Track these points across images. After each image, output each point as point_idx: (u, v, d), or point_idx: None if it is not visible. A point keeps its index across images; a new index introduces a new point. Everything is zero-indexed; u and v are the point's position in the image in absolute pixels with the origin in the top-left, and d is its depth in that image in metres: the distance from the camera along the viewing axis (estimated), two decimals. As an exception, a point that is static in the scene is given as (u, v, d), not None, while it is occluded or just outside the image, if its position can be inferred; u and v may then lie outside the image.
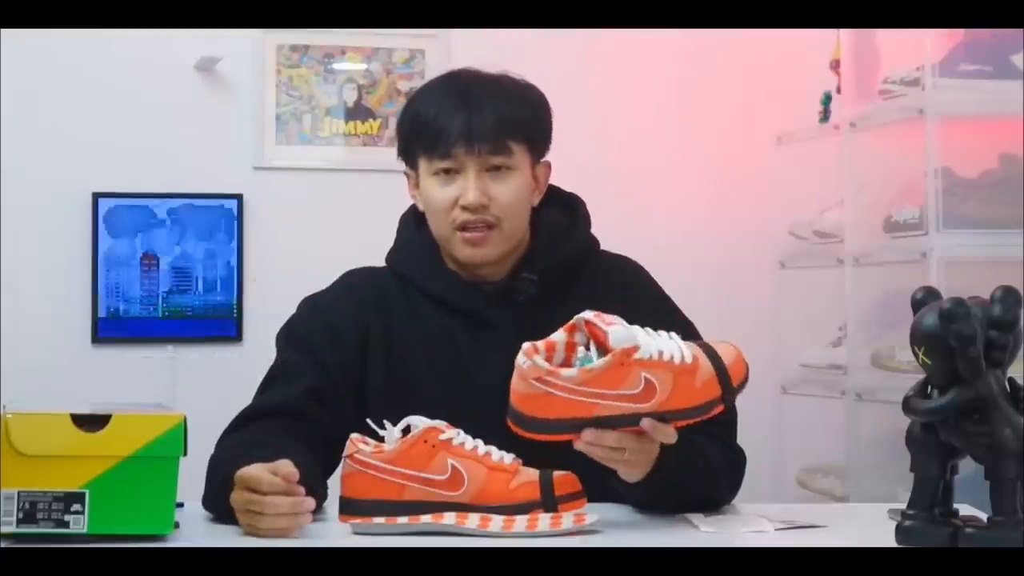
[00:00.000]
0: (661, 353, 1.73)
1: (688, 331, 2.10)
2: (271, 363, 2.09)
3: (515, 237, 2.06)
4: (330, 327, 2.06)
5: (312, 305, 2.12)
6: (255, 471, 1.71)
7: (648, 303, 2.10)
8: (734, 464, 2.01)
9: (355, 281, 2.13)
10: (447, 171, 2.02)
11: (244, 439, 1.93)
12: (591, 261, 2.13)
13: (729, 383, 1.77)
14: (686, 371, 1.74)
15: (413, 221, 2.15)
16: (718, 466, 1.94)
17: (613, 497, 1.91)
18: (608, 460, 1.78)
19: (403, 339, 2.05)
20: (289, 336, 2.09)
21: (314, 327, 2.07)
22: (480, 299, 2.06)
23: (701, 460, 1.89)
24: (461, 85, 2.06)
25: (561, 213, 2.14)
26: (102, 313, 3.45)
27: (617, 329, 1.72)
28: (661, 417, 1.74)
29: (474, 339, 2.04)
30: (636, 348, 1.71)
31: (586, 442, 1.74)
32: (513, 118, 2.03)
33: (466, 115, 2.00)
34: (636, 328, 1.75)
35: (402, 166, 2.14)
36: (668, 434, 1.76)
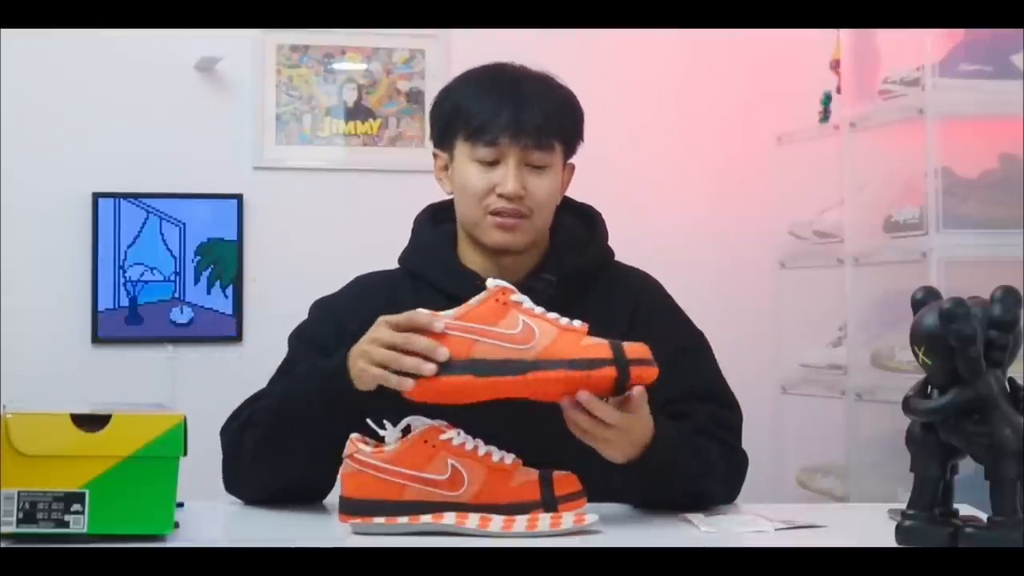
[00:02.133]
0: (545, 312, 1.77)
1: (700, 344, 2.12)
2: (279, 362, 2.10)
3: (542, 230, 2.09)
4: (341, 328, 2.06)
5: (323, 307, 2.13)
6: (428, 314, 1.79)
7: (659, 315, 2.11)
8: (735, 466, 2.02)
9: (366, 284, 2.15)
10: (490, 160, 2.04)
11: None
12: (608, 270, 2.15)
13: (621, 351, 1.75)
14: (571, 329, 1.77)
15: (429, 222, 2.17)
16: (716, 466, 1.95)
17: (613, 497, 1.92)
18: (590, 437, 1.79)
19: None
20: (300, 336, 2.11)
21: (325, 328, 2.09)
22: None
23: (695, 457, 1.90)
24: (509, 78, 2.08)
25: (579, 222, 2.17)
26: (102, 313, 3.45)
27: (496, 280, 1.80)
28: (538, 365, 1.73)
29: None
30: (513, 291, 1.78)
31: (578, 403, 1.75)
32: (558, 117, 2.07)
33: (516, 108, 2.03)
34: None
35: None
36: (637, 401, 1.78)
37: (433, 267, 2.10)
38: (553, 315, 1.78)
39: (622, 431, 1.79)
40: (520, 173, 2.03)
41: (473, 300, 1.79)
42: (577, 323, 1.78)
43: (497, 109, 2.03)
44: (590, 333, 1.78)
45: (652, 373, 1.77)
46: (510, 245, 2.05)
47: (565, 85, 2.13)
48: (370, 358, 1.80)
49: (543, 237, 2.11)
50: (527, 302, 1.79)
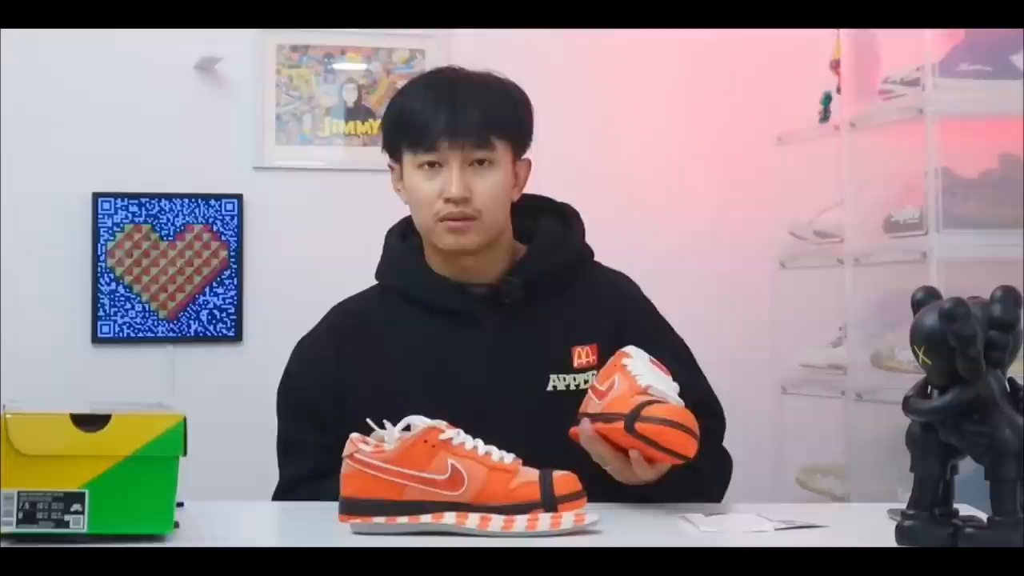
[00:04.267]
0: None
1: (688, 355, 2.13)
2: (278, 363, 2.15)
3: (495, 229, 2.09)
4: (318, 376, 2.10)
5: (299, 356, 2.17)
6: None
7: (648, 328, 2.12)
8: (722, 468, 2.07)
9: (336, 318, 2.18)
10: (431, 164, 2.05)
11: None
12: (585, 269, 2.15)
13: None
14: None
15: (398, 236, 2.19)
16: (708, 475, 1.99)
17: (613, 496, 1.92)
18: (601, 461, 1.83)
19: (388, 357, 2.08)
20: (287, 397, 2.15)
21: (305, 381, 2.13)
22: (469, 301, 2.08)
23: (691, 472, 1.91)
24: (445, 81, 2.10)
25: (557, 223, 2.17)
26: (102, 313, 3.45)
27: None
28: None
29: (460, 340, 2.06)
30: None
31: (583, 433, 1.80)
32: (496, 114, 2.06)
33: (451, 109, 2.03)
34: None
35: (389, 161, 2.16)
36: (645, 471, 1.80)
37: (404, 276, 2.13)
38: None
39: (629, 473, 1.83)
40: (464, 175, 2.04)
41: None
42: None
43: (434, 113, 2.04)
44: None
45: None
46: (463, 247, 2.07)
47: (507, 80, 2.12)
48: None
49: (501, 236, 2.12)
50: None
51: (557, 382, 2.02)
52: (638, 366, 1.84)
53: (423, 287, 2.10)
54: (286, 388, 2.15)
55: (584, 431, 1.84)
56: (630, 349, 1.89)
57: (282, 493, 2.09)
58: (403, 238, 2.18)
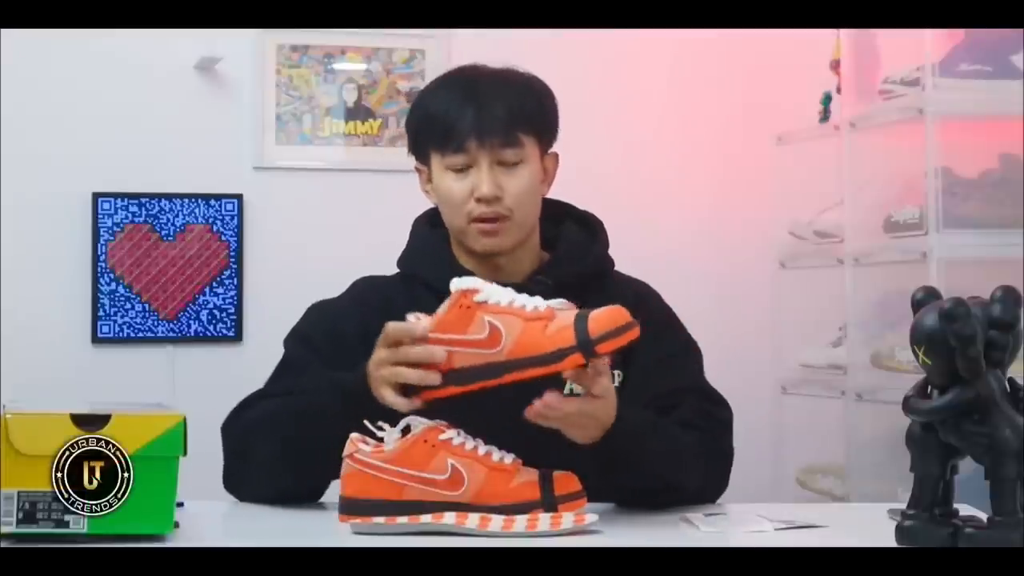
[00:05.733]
0: (511, 302, 1.77)
1: (690, 351, 2.12)
2: (276, 362, 2.11)
3: (527, 227, 2.09)
4: (334, 333, 2.08)
5: (319, 311, 2.14)
6: (405, 324, 1.81)
7: (653, 326, 2.10)
8: (712, 456, 2.02)
9: (363, 288, 2.16)
10: (461, 166, 2.04)
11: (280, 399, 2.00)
12: (607, 278, 2.15)
13: (586, 332, 1.73)
14: (537, 317, 1.76)
15: (427, 225, 2.17)
16: (688, 452, 1.95)
17: (613, 497, 1.92)
18: (547, 421, 1.80)
19: None
20: (295, 337, 2.11)
21: (319, 331, 2.10)
22: None
23: (664, 444, 1.90)
24: (468, 80, 2.08)
25: (579, 229, 2.17)
26: (102, 313, 3.45)
27: (459, 279, 1.80)
28: (511, 367, 1.75)
29: None
30: (476, 291, 1.77)
31: (546, 405, 1.76)
32: (521, 110, 2.05)
33: (476, 109, 2.02)
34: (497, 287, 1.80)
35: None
36: (605, 386, 1.79)
37: (429, 266, 2.11)
38: (520, 303, 1.77)
39: (584, 414, 1.80)
40: (494, 174, 2.03)
41: (440, 309, 1.79)
42: (543, 306, 1.77)
43: (459, 114, 2.03)
44: None
45: (619, 342, 1.74)
46: (496, 249, 2.06)
47: (529, 74, 2.11)
48: (381, 381, 1.82)
49: (531, 236, 2.12)
50: (491, 297, 1.78)
51: (574, 385, 2.01)
52: (496, 293, 1.79)
53: (447, 279, 2.09)
54: (295, 335, 2.12)
55: (559, 406, 1.77)
56: (467, 281, 1.81)
57: (243, 403, 2.06)
58: (432, 228, 2.17)
